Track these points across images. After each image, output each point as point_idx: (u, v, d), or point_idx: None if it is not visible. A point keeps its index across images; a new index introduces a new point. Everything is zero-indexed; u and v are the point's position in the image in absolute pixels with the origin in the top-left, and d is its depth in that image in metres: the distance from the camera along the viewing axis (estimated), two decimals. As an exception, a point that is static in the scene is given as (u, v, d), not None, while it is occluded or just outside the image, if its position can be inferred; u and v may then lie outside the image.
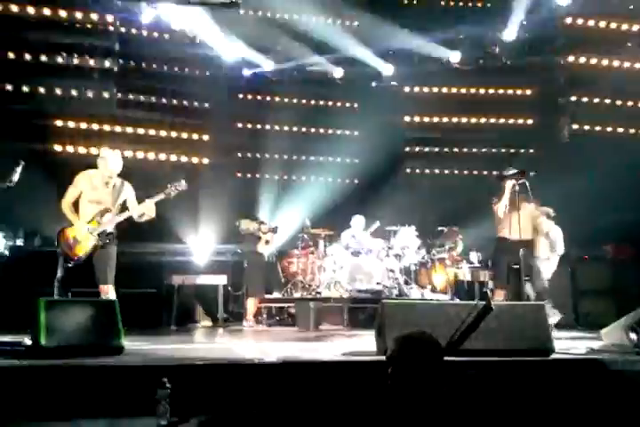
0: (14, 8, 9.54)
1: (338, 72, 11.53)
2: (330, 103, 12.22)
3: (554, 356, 4.82)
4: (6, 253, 5.62)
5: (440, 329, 4.65)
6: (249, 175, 11.61)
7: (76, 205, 5.48)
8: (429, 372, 2.68)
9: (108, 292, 5.37)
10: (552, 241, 7.69)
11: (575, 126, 11.71)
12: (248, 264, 8.50)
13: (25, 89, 9.66)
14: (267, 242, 8.58)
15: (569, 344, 5.66)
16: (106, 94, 10.24)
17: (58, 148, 9.84)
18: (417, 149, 12.35)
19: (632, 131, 11.86)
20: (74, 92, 10.03)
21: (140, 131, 10.71)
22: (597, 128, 11.74)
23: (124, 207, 5.61)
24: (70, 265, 5.31)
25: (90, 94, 10.11)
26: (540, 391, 4.32)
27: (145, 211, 5.50)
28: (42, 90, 9.80)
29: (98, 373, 3.88)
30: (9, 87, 9.55)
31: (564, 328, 6.94)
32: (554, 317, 6.69)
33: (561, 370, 4.60)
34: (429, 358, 2.75)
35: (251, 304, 8.26)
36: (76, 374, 3.81)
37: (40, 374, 3.75)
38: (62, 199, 5.45)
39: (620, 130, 11.81)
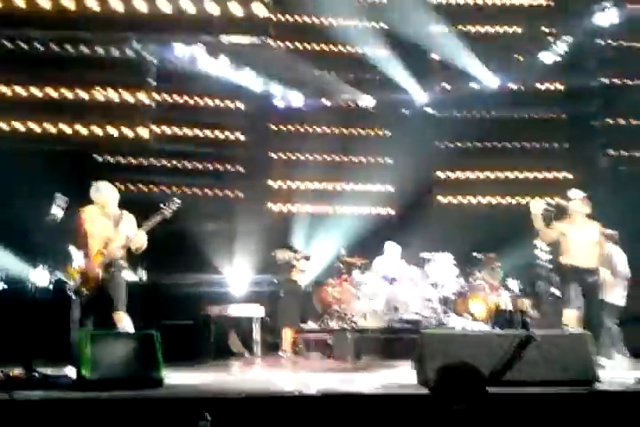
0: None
1: (369, 101, 11.65)
2: (362, 132, 12.29)
3: (599, 387, 4.70)
4: (50, 286, 5.70)
5: (481, 359, 4.59)
6: (283, 207, 11.69)
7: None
8: (473, 402, 2.64)
9: (121, 319, 5.33)
10: (614, 265, 7.35)
11: (611, 151, 11.59)
12: (284, 294, 8.50)
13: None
14: (301, 270, 8.60)
15: (616, 374, 5.51)
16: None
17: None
18: (448, 174, 12.31)
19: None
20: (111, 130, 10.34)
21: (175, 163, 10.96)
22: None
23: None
24: (84, 299, 5.37)
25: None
26: (585, 423, 4.20)
27: (138, 242, 5.46)
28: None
29: (139, 405, 3.91)
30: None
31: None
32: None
33: (606, 402, 4.48)
34: (473, 388, 2.71)
35: (287, 334, 8.24)
36: (118, 407, 3.85)
37: (84, 407, 3.80)
38: (70, 240, 5.50)
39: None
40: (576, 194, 6.56)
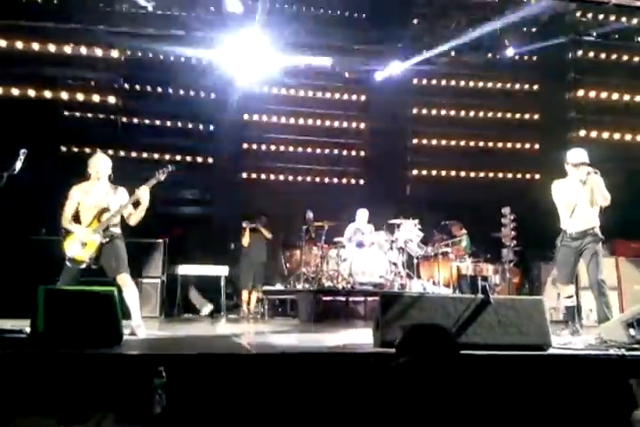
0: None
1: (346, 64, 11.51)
2: (337, 95, 12.17)
3: (551, 351, 4.82)
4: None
5: (438, 322, 4.66)
6: (254, 175, 11.62)
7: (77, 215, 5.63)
8: (444, 363, 2.65)
9: (125, 281, 5.46)
10: None
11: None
12: (240, 258, 8.82)
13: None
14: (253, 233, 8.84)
15: (567, 339, 5.66)
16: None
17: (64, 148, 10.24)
18: (424, 141, 12.32)
19: None
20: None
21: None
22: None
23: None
24: (83, 266, 5.43)
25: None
26: (537, 387, 4.32)
27: (142, 198, 5.59)
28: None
29: (92, 362, 3.91)
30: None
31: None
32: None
33: (558, 365, 4.60)
34: (445, 349, 2.71)
35: (244, 295, 8.66)
36: (73, 363, 3.84)
37: (36, 363, 3.79)
38: (61, 216, 5.56)
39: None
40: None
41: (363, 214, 9.50)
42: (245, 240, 8.76)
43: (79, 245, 5.44)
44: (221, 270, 8.51)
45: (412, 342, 2.79)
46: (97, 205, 5.58)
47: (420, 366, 2.72)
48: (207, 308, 8.56)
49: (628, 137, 11.94)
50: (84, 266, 5.44)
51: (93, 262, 5.46)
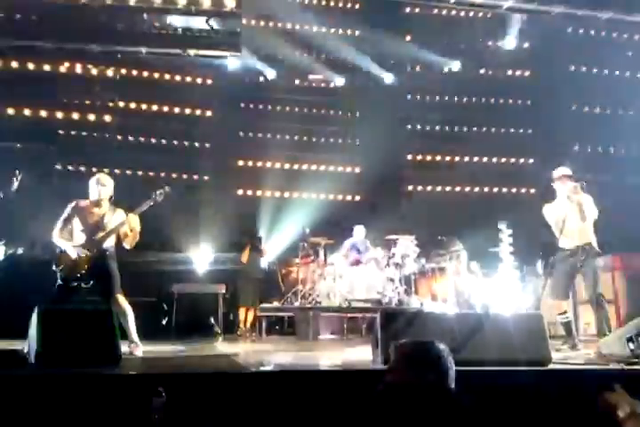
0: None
1: (339, 81, 11.60)
2: (331, 112, 12.24)
3: (551, 366, 4.81)
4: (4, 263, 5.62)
5: (437, 338, 4.64)
6: (249, 192, 11.59)
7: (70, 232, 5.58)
8: (419, 380, 2.61)
9: (119, 302, 5.40)
10: None
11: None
12: (240, 274, 8.67)
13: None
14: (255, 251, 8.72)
15: (566, 354, 5.64)
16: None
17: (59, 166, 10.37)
18: (418, 157, 12.38)
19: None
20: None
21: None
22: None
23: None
24: (74, 286, 5.38)
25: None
26: (538, 401, 4.30)
27: (131, 224, 5.55)
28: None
29: (91, 381, 3.87)
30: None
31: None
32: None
33: (558, 380, 4.58)
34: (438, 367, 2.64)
35: (242, 313, 8.45)
36: (72, 384, 3.80)
37: (32, 384, 3.75)
38: (53, 230, 5.54)
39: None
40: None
41: (360, 231, 9.51)
42: (245, 257, 8.71)
43: (70, 264, 5.40)
44: (218, 289, 8.46)
45: (401, 363, 2.68)
46: (92, 224, 5.54)
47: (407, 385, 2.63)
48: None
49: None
50: (75, 284, 5.38)
51: (85, 281, 5.41)
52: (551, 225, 6.23)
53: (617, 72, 12.11)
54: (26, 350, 4.53)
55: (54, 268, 5.43)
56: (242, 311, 8.48)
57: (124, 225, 5.56)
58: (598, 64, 12.03)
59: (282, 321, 9.02)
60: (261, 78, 11.78)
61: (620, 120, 11.97)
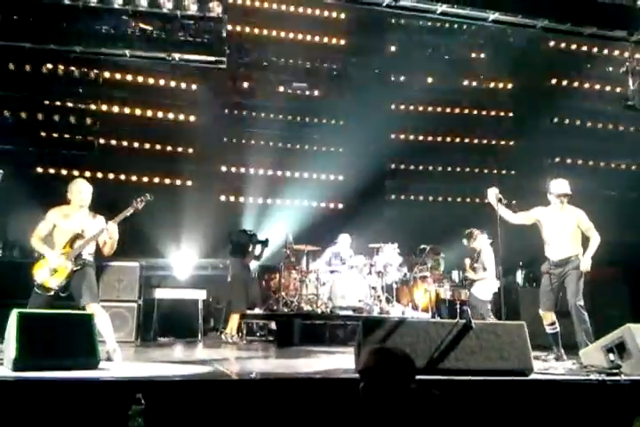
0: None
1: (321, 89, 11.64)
2: (315, 120, 12.24)
3: (533, 376, 4.82)
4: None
5: (420, 347, 4.65)
6: (232, 198, 11.56)
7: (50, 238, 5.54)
8: (402, 386, 2.65)
9: (95, 310, 5.30)
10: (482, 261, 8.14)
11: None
12: (232, 278, 8.39)
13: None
14: (255, 256, 8.56)
15: (548, 365, 5.67)
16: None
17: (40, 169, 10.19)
18: (402, 166, 12.42)
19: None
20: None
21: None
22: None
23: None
24: (51, 294, 5.30)
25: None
26: (519, 412, 4.30)
27: (110, 232, 5.52)
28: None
29: (71, 388, 3.80)
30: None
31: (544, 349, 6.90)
32: None
33: (540, 390, 4.60)
34: (403, 371, 2.73)
35: (234, 319, 8.15)
36: (49, 390, 3.73)
37: (10, 389, 3.68)
38: (32, 234, 5.49)
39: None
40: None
41: (344, 239, 9.48)
42: (249, 259, 8.52)
43: (49, 272, 5.33)
44: (199, 294, 8.39)
45: (375, 365, 2.80)
46: (73, 231, 5.49)
47: (378, 389, 2.71)
48: None
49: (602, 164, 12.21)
50: (52, 293, 5.30)
51: (62, 290, 5.34)
52: (539, 227, 6.32)
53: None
54: (1, 355, 4.45)
55: (34, 274, 5.34)
56: (235, 317, 8.16)
57: (104, 232, 5.51)
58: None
59: (263, 328, 8.97)
60: (245, 84, 11.76)
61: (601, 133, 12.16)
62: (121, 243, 5.65)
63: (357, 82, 11.91)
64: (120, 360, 5.22)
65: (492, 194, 6.34)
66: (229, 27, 9.95)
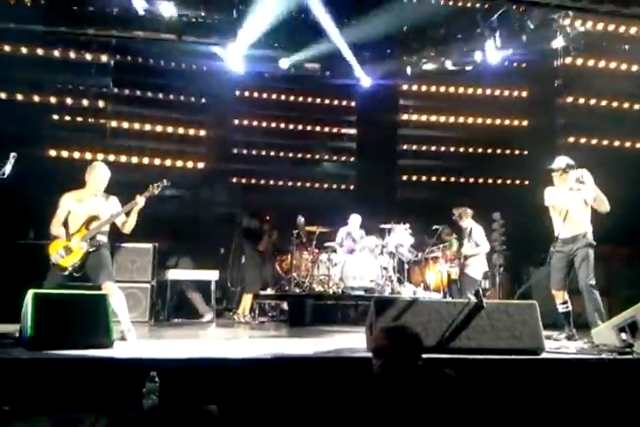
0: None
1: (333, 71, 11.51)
2: (327, 101, 12.17)
3: (544, 355, 4.83)
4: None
5: (431, 327, 4.67)
6: (244, 180, 11.56)
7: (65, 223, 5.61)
8: (411, 364, 2.69)
9: (110, 289, 5.39)
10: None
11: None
12: (247, 259, 8.48)
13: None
14: (269, 238, 8.60)
15: (559, 344, 5.68)
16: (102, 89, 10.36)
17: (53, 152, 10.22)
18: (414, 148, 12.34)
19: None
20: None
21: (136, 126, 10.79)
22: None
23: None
24: (66, 273, 5.38)
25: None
26: (530, 390, 4.32)
27: (138, 205, 5.63)
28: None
29: (86, 366, 3.86)
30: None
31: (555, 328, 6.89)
32: None
33: (551, 369, 4.61)
34: (413, 349, 2.76)
35: (247, 299, 8.25)
36: (64, 368, 3.79)
37: (26, 367, 3.73)
38: (50, 223, 5.55)
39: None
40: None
41: (355, 220, 9.52)
42: (262, 246, 8.51)
43: (64, 252, 5.41)
44: (212, 275, 8.45)
45: (388, 342, 2.84)
46: (87, 213, 5.57)
47: (390, 367, 2.75)
48: (209, 315, 8.40)
49: (617, 143, 12.02)
50: (67, 273, 5.39)
51: (77, 270, 5.42)
52: (550, 211, 6.27)
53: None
54: (18, 334, 4.51)
55: (50, 254, 5.41)
56: (248, 298, 8.26)
57: (131, 207, 5.61)
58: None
59: (275, 308, 9.03)
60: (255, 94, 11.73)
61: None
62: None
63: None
64: (134, 340, 5.30)
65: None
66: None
